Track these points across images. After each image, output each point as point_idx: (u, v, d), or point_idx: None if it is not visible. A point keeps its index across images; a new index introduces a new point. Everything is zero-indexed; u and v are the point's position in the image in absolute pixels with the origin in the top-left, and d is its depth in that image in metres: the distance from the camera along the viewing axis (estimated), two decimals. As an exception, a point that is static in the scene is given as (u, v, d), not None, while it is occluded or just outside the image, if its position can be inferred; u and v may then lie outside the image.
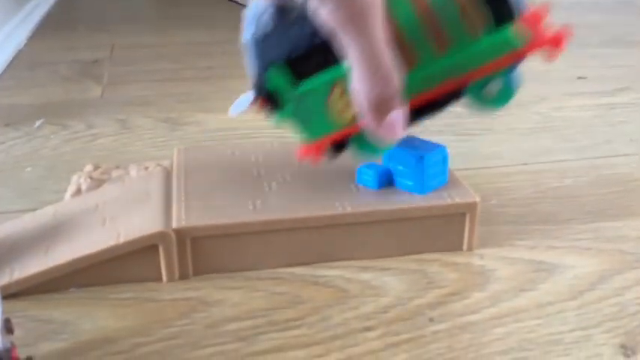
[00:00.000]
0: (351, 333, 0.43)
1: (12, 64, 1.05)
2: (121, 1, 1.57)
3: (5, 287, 0.46)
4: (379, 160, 0.53)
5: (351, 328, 0.44)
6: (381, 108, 0.41)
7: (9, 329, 0.38)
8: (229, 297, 0.47)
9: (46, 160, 0.69)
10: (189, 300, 0.47)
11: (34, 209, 0.56)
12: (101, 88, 0.93)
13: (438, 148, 0.52)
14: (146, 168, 0.58)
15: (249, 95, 0.46)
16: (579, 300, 0.46)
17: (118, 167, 0.59)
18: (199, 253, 0.49)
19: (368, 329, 0.44)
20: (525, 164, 0.68)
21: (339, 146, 0.46)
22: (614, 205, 0.60)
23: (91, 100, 0.88)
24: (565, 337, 0.43)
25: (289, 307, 0.46)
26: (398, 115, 0.41)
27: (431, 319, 0.45)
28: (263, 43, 0.44)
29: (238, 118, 0.80)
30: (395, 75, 0.40)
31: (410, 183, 0.52)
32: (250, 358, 0.41)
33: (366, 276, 0.49)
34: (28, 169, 0.67)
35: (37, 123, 0.79)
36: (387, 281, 0.49)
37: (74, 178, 0.58)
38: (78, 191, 0.56)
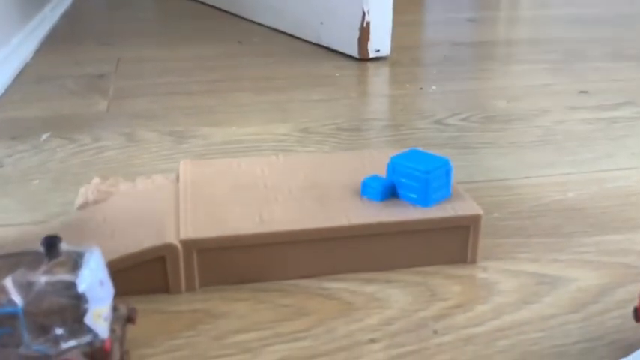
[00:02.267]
0: (356, 345, 0.44)
1: (19, 77, 1.06)
2: (127, 15, 1.59)
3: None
4: (383, 174, 0.54)
5: (356, 339, 0.44)
6: None
7: (130, 319, 0.38)
8: (235, 309, 0.47)
9: (53, 173, 0.70)
10: (195, 312, 0.47)
11: (42, 222, 0.56)
12: (107, 102, 0.94)
13: (441, 162, 0.53)
14: (153, 181, 0.58)
15: None
16: (582, 312, 0.47)
17: (125, 180, 0.60)
18: (206, 264, 0.49)
19: (373, 341, 0.44)
20: (527, 177, 0.69)
21: None
22: (617, 219, 0.60)
23: (98, 113, 0.89)
24: (568, 350, 0.43)
25: (295, 319, 0.46)
26: None
27: (435, 332, 0.45)
28: None
29: (243, 132, 0.81)
30: None
31: (414, 196, 0.52)
32: (256, 369, 0.42)
33: (370, 288, 0.50)
34: (36, 181, 0.68)
35: (44, 136, 0.80)
36: (392, 293, 0.49)
37: (82, 190, 0.59)
38: (86, 203, 0.56)
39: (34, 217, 0.59)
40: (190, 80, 1.05)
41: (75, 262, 0.36)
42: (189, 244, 0.48)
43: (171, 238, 0.48)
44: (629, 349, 0.43)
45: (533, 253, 0.54)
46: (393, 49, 1.16)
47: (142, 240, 0.48)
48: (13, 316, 0.34)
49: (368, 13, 1.12)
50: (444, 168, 0.53)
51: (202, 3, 1.65)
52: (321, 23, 1.21)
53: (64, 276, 0.35)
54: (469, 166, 0.71)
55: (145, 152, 0.76)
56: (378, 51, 1.15)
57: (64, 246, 0.36)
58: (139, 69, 1.11)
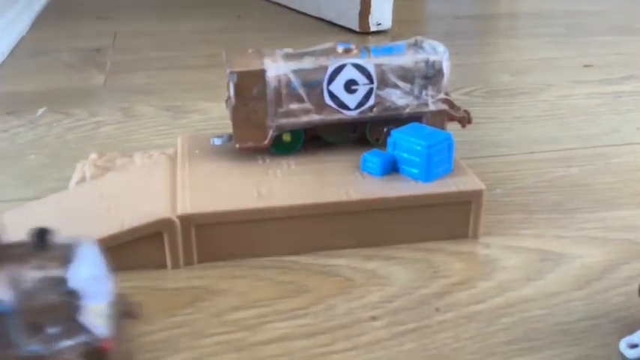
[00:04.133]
0: (356, 322, 0.43)
1: (14, 51, 1.04)
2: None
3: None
4: (384, 148, 0.53)
5: (356, 317, 0.43)
6: None
7: (129, 314, 0.36)
8: (234, 286, 0.47)
9: (49, 148, 0.69)
10: (194, 289, 0.46)
11: (38, 197, 0.55)
12: (104, 76, 0.92)
13: (443, 136, 0.52)
14: (150, 156, 0.57)
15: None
16: (586, 290, 0.46)
17: (122, 155, 0.59)
18: (204, 240, 0.48)
19: (374, 318, 0.43)
20: (531, 153, 0.68)
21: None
22: (622, 194, 0.59)
23: (94, 88, 0.88)
24: (572, 327, 0.42)
25: (295, 297, 0.46)
26: None
27: (437, 309, 0.44)
28: None
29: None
30: None
31: (415, 171, 0.51)
32: (255, 347, 0.41)
33: (371, 265, 0.49)
34: (32, 157, 0.67)
35: (40, 111, 0.79)
36: (393, 271, 0.48)
37: (79, 166, 0.58)
38: (83, 179, 0.55)
39: (30, 193, 0.58)
40: (189, 55, 1.03)
41: (67, 256, 0.34)
42: (187, 220, 0.47)
43: (169, 214, 0.47)
44: (634, 327, 0.42)
45: (537, 230, 0.53)
46: (394, 22, 1.14)
47: (139, 215, 0.48)
48: (2, 316, 0.32)
49: (369, -14, 1.10)
50: (445, 142, 0.51)
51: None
52: (322, -4, 1.20)
53: (55, 271, 0.33)
54: (472, 141, 0.70)
55: (143, 127, 0.75)
56: (379, 24, 1.13)
57: (54, 238, 0.34)
58: (137, 43, 1.10)
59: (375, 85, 0.54)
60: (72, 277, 0.33)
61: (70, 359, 0.33)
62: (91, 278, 0.33)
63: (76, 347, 0.33)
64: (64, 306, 0.33)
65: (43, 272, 0.32)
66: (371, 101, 0.54)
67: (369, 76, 0.53)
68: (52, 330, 0.32)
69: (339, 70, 0.53)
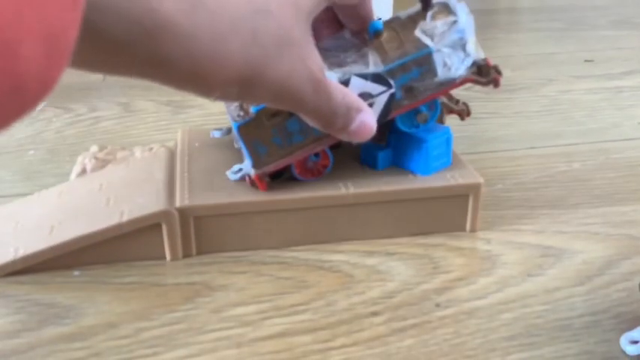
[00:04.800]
0: (357, 318, 0.43)
1: (13, 46, 1.04)
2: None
3: (10, 264, 0.46)
4: (383, 141, 0.53)
5: (357, 313, 0.43)
6: (345, 120, 0.39)
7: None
8: (234, 281, 0.47)
9: (48, 143, 0.69)
10: (193, 284, 0.46)
11: (37, 192, 0.55)
12: (103, 71, 0.92)
13: (441, 130, 0.52)
14: (150, 149, 0.57)
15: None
16: (587, 285, 0.46)
17: (123, 148, 0.59)
18: (202, 232, 0.48)
19: (374, 314, 0.43)
20: (532, 148, 0.68)
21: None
22: (623, 190, 0.59)
23: (93, 83, 0.87)
24: (573, 323, 0.42)
25: (294, 292, 0.45)
26: (365, 114, 0.40)
27: (437, 305, 0.44)
28: None
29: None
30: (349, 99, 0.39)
31: (413, 164, 0.51)
32: (256, 343, 0.41)
33: (371, 261, 0.49)
34: (31, 152, 0.67)
35: (39, 106, 0.78)
36: (393, 266, 0.48)
37: (79, 158, 0.58)
38: (83, 171, 0.56)
39: (29, 188, 0.58)
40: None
41: (447, 8, 0.46)
42: (185, 211, 0.47)
43: (168, 205, 0.47)
44: (635, 322, 0.42)
45: (538, 225, 0.53)
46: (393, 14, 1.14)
47: (139, 207, 0.47)
48: (429, 55, 0.46)
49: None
50: (444, 136, 0.51)
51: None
52: None
53: (448, 17, 0.46)
54: (473, 136, 0.70)
55: (142, 122, 0.74)
56: (380, 19, 1.13)
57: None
58: (136, 37, 1.09)
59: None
60: (459, 19, 0.45)
61: (471, 79, 0.47)
62: (465, 20, 0.46)
63: (471, 67, 0.47)
64: (458, 40, 0.46)
65: (439, 21, 0.46)
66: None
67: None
68: (453, 60, 0.46)
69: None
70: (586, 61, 0.96)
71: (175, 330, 0.42)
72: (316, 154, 0.50)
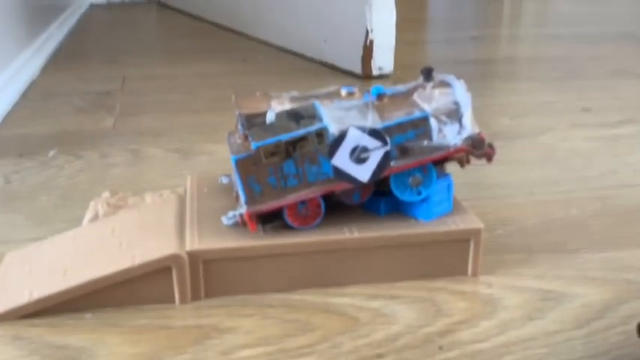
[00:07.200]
0: (361, 360, 0.44)
1: (26, 94, 1.07)
2: (132, 33, 1.60)
3: (24, 307, 0.47)
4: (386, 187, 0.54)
5: (361, 355, 0.44)
6: None
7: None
8: (242, 324, 0.48)
9: (60, 189, 0.71)
10: (202, 327, 0.47)
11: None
12: (113, 119, 0.94)
13: (443, 176, 0.53)
14: (161, 195, 0.59)
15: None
16: (586, 328, 0.47)
17: (134, 194, 0.61)
18: (211, 275, 0.50)
19: (379, 357, 0.44)
20: (531, 194, 0.69)
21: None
22: (620, 236, 0.60)
23: (104, 130, 0.90)
24: (573, 365, 0.43)
25: (301, 335, 0.46)
26: None
27: (440, 347, 0.45)
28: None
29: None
30: None
31: (415, 210, 0.53)
32: (263, 384, 0.42)
33: (376, 304, 0.50)
34: (43, 198, 0.68)
35: (51, 153, 0.80)
36: (397, 309, 0.49)
37: (92, 204, 0.60)
38: (95, 216, 0.57)
39: (41, 233, 0.59)
40: (195, 98, 1.06)
41: (446, 83, 0.51)
42: (195, 255, 0.49)
43: (178, 249, 0.49)
44: (634, 365, 0.43)
45: (538, 269, 0.55)
46: (396, 67, 1.17)
47: (149, 251, 0.49)
48: (425, 118, 0.49)
49: (371, 32, 1.13)
50: (445, 182, 0.53)
51: (207, 21, 1.66)
52: (325, 41, 1.23)
53: (445, 89, 0.50)
54: (473, 182, 0.71)
55: (151, 169, 0.76)
56: (381, 69, 1.16)
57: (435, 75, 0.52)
58: (145, 86, 1.12)
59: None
60: (454, 92, 0.50)
61: (465, 149, 0.50)
62: (462, 95, 0.49)
63: (467, 140, 0.50)
64: (455, 111, 0.49)
65: (438, 90, 0.51)
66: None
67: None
68: (450, 129, 0.49)
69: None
70: (584, 109, 0.98)
71: (185, 371, 0.43)
72: (303, 202, 0.50)
